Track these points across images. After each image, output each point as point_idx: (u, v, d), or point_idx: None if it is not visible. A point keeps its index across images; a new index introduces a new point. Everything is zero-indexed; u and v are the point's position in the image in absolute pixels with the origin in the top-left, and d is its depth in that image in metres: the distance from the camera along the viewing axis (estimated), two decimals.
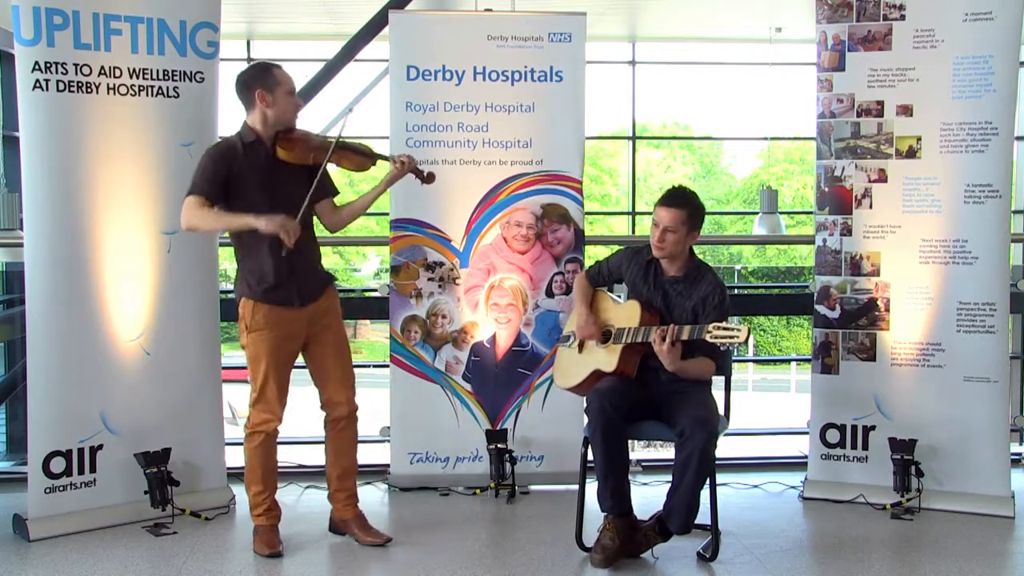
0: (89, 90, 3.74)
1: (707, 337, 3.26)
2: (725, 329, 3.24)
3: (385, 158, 3.57)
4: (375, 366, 7.00)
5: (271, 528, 3.59)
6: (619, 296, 3.79)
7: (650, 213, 3.63)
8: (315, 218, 3.59)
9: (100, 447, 3.82)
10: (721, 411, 3.60)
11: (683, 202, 3.48)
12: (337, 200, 3.64)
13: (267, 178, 3.43)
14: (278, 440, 3.61)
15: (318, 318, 3.55)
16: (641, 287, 3.60)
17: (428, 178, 3.63)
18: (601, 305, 3.72)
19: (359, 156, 3.53)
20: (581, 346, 3.69)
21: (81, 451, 3.79)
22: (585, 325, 3.64)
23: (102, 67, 3.76)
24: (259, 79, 3.42)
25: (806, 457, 4.42)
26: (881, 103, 4.18)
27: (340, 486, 3.69)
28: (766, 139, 18.92)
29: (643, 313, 3.50)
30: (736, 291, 15.94)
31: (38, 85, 3.65)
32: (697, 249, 3.65)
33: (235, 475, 4.29)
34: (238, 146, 3.44)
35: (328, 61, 6.80)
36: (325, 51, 9.07)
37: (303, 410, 3.92)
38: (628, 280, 3.66)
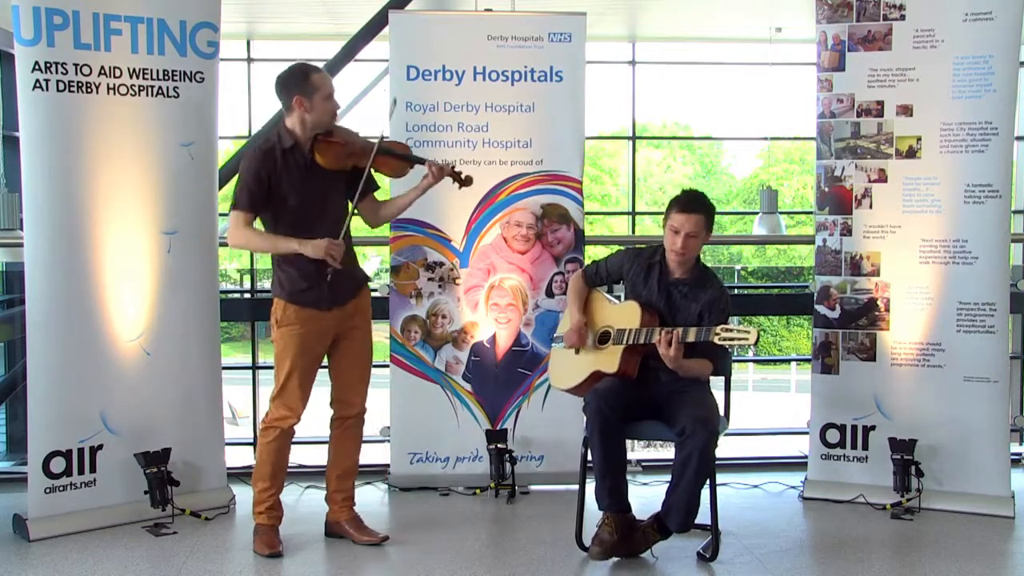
0: (89, 90, 3.74)
1: (715, 339, 3.26)
2: (733, 331, 3.23)
3: (422, 162, 3.57)
4: (375, 366, 7.00)
5: (271, 528, 3.59)
6: (617, 296, 3.79)
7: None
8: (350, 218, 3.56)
9: (100, 447, 3.82)
10: (721, 411, 3.59)
11: (702, 207, 3.50)
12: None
13: (304, 184, 3.43)
14: None
15: (347, 318, 3.55)
16: (641, 288, 3.59)
17: (466, 181, 3.62)
18: (597, 305, 3.72)
19: (398, 161, 3.53)
20: (578, 347, 3.69)
21: (81, 451, 3.79)
22: (574, 331, 3.64)
23: (102, 67, 3.76)
24: (297, 85, 3.40)
25: (806, 457, 4.42)
26: (881, 103, 4.18)
27: (339, 486, 3.69)
28: (766, 139, 18.91)
29: (643, 314, 3.50)
30: (736, 291, 15.93)
31: (38, 85, 3.65)
32: None
33: (235, 475, 4.30)
34: (276, 150, 3.43)
35: (328, 61, 6.80)
36: (325, 51, 9.06)
37: (305, 410, 3.92)
38: (628, 281, 3.66)
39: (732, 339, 3.23)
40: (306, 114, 3.41)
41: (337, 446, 3.69)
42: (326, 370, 3.67)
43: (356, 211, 3.55)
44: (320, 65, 3.64)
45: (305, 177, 3.43)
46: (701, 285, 3.53)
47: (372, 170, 3.48)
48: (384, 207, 3.67)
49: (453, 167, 3.58)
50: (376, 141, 3.46)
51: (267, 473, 3.56)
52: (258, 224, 3.48)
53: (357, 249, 3.73)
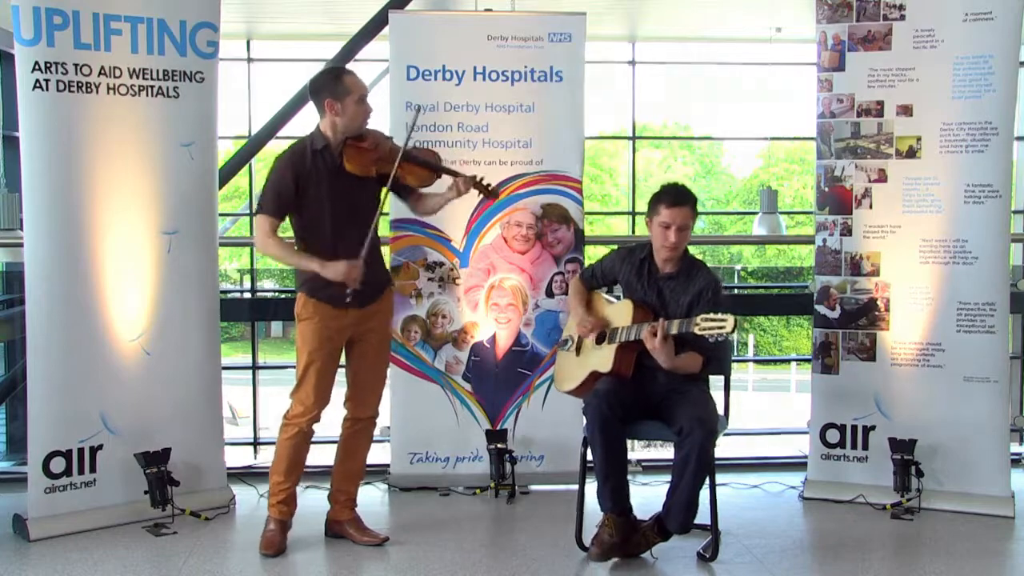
0: (89, 90, 3.74)
1: (695, 330, 3.27)
2: (711, 320, 3.25)
3: (450, 172, 3.56)
4: None
5: (280, 524, 3.60)
6: (617, 297, 3.80)
7: None
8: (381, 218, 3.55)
9: (100, 447, 3.82)
10: (721, 411, 3.60)
11: (689, 198, 3.53)
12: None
13: (332, 187, 3.43)
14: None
15: (366, 320, 3.55)
16: (636, 286, 3.61)
17: (492, 192, 3.62)
18: (596, 307, 3.75)
19: (424, 171, 3.52)
20: (579, 349, 3.70)
21: (81, 451, 3.79)
22: (582, 322, 3.65)
23: (102, 67, 3.76)
24: (328, 87, 3.40)
25: (806, 457, 4.42)
26: (881, 103, 4.18)
27: (342, 487, 3.70)
28: (766, 139, 18.93)
29: (636, 311, 3.52)
30: (736, 291, 15.93)
31: (38, 85, 3.65)
32: (697, 249, 3.66)
33: (235, 475, 4.30)
34: (308, 152, 3.43)
35: (328, 61, 6.81)
36: (325, 51, 9.07)
37: (324, 410, 3.92)
38: (623, 280, 3.68)
39: (710, 328, 3.24)
40: (336, 118, 3.40)
41: (346, 446, 3.69)
42: (343, 369, 3.67)
43: (384, 212, 3.53)
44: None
45: (333, 180, 3.43)
46: (690, 276, 3.55)
47: (398, 178, 3.46)
48: (424, 202, 3.64)
49: (480, 179, 3.57)
50: (402, 148, 3.44)
51: (282, 468, 3.57)
52: (288, 225, 3.48)
53: None
